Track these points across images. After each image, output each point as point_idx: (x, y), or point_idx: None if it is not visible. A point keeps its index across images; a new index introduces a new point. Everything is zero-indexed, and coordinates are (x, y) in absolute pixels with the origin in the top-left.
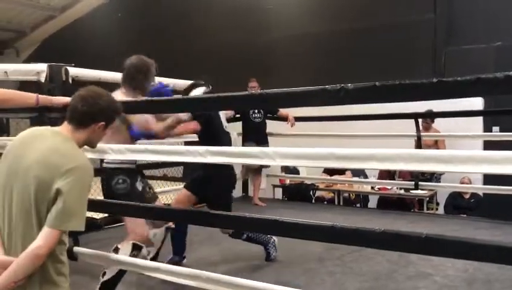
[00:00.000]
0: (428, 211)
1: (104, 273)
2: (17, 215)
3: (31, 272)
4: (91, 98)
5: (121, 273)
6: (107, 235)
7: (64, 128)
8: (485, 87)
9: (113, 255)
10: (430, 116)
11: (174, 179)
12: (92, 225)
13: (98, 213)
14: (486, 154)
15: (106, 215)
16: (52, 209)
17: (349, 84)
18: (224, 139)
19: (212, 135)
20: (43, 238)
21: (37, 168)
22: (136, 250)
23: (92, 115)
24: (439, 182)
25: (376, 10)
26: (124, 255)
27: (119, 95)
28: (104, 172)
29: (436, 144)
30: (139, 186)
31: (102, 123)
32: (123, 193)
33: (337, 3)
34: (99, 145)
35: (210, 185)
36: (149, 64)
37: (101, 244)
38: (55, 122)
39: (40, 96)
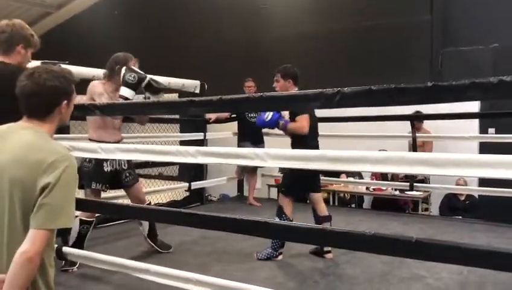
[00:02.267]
0: (422, 212)
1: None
2: None
3: (29, 281)
4: (44, 83)
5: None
6: (100, 234)
7: (29, 121)
8: (479, 91)
9: (101, 256)
10: (426, 118)
11: (170, 178)
12: None
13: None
14: (480, 158)
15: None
16: (37, 208)
17: (346, 88)
18: None
19: None
20: (29, 241)
21: (13, 170)
22: (84, 224)
23: (53, 102)
24: (429, 183)
25: (373, 11)
26: (74, 231)
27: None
28: None
29: (423, 145)
30: (106, 167)
31: (65, 102)
32: (86, 171)
33: (334, 4)
34: (91, 144)
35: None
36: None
37: (96, 243)
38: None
39: None
